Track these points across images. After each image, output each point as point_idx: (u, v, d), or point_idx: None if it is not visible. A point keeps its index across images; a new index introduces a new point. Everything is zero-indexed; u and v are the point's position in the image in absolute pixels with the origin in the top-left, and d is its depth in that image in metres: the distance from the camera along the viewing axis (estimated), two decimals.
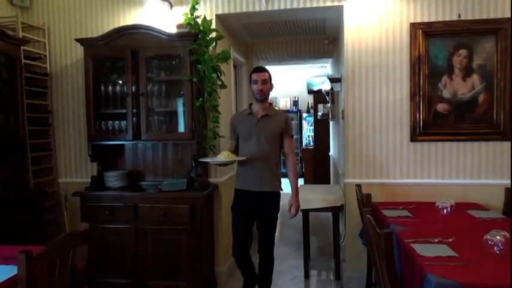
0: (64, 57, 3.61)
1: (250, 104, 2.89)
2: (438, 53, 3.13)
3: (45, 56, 3.56)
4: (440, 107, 3.15)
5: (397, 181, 3.25)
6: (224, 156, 2.66)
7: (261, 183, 2.74)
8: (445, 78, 3.14)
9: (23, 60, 3.23)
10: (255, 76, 2.75)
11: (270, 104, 2.91)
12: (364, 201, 2.65)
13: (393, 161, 3.26)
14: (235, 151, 2.86)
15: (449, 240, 2.00)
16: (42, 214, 3.38)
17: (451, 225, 2.33)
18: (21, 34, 3.29)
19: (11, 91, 3.06)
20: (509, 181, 3.04)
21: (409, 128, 3.20)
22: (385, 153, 3.26)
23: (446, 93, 3.14)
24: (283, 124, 2.79)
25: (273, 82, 2.86)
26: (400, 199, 3.11)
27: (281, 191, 2.85)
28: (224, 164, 2.78)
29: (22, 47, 3.20)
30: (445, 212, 2.59)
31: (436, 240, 2.00)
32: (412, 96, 3.17)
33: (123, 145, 3.49)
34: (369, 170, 3.29)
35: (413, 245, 1.94)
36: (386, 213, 2.64)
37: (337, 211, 3.55)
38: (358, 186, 3.03)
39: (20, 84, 3.12)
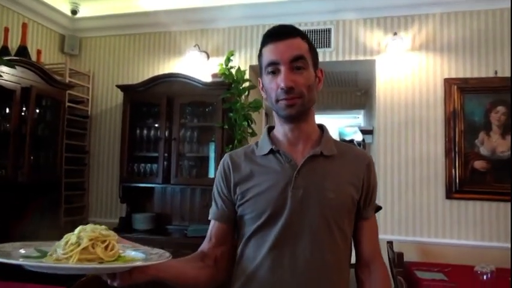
0: (105, 102, 3.81)
1: (269, 130, 1.15)
2: (474, 109, 3.06)
3: (87, 99, 3.77)
4: (478, 164, 3.03)
5: (431, 240, 3.07)
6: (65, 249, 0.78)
7: None
8: (482, 135, 3.03)
9: (67, 103, 3.42)
10: (270, 52, 1.02)
11: (322, 128, 1.14)
12: (396, 260, 2.51)
13: (427, 218, 3.10)
14: (212, 260, 1.15)
15: None
16: None
17: None
18: (68, 79, 3.52)
19: (53, 132, 3.23)
20: None
21: (445, 185, 3.07)
22: (418, 210, 3.12)
23: (484, 150, 3.02)
24: (359, 179, 1.09)
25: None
26: (434, 260, 2.92)
27: None
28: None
29: (67, 91, 3.41)
30: (484, 278, 2.38)
31: None
32: (447, 152, 3.07)
33: (152, 188, 3.53)
34: (401, 227, 3.14)
35: None
36: (420, 275, 2.47)
37: None
38: (390, 243, 2.88)
39: (62, 125, 3.29)
